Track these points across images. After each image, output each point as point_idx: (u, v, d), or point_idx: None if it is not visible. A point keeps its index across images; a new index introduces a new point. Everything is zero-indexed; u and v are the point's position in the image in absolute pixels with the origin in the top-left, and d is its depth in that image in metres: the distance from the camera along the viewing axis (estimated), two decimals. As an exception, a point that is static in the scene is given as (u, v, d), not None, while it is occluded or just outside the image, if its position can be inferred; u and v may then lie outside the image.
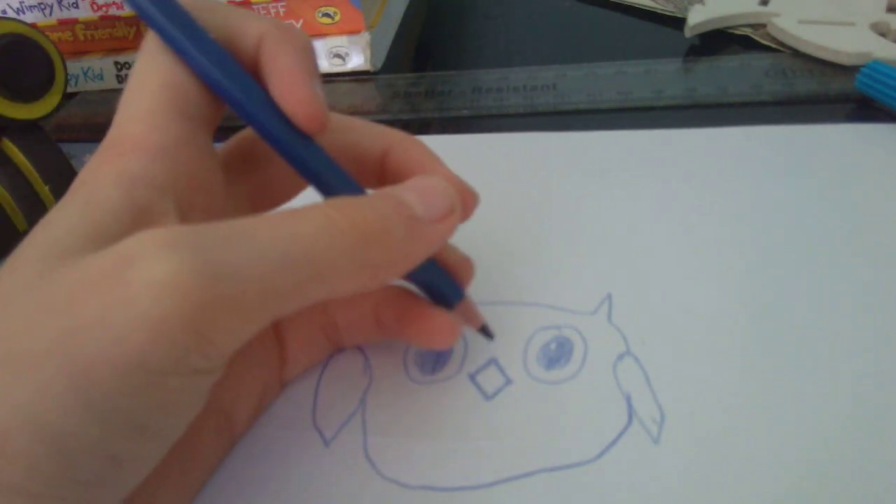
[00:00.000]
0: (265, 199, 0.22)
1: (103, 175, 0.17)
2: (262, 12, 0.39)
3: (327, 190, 0.19)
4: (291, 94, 0.18)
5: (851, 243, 0.25)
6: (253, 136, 0.21)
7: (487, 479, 0.20)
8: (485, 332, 0.23)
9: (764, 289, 0.24)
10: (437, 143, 0.33)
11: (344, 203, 0.17)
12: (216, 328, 0.15)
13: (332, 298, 0.18)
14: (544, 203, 0.29)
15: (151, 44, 0.19)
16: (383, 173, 0.22)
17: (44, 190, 0.30)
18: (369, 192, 0.19)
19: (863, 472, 0.19)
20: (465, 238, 0.22)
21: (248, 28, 0.19)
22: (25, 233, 0.30)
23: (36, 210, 0.31)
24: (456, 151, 0.32)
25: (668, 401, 0.21)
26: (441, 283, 0.21)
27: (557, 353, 0.23)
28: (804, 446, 0.20)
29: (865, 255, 0.25)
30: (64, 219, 0.16)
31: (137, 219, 0.16)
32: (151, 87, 0.18)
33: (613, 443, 0.21)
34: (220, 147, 0.21)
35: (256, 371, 0.22)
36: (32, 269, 0.15)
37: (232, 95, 0.18)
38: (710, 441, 0.20)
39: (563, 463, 0.20)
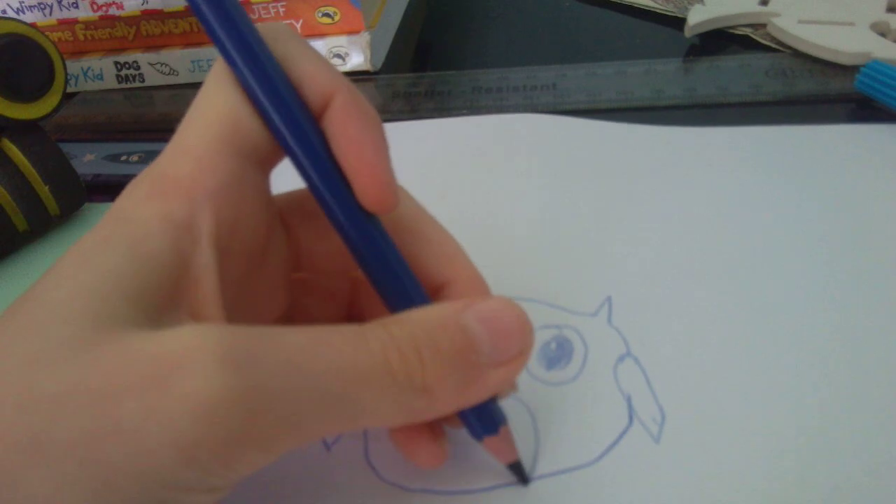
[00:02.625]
0: (314, 259, 0.21)
1: (148, 217, 0.16)
2: (262, 12, 0.39)
3: (382, 287, 0.18)
4: (365, 169, 0.17)
5: (851, 243, 0.25)
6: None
7: (488, 483, 0.20)
8: (517, 472, 0.19)
9: (764, 289, 0.24)
10: (433, 129, 0.33)
11: (406, 342, 0.15)
12: (244, 459, 0.14)
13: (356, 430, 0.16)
14: (544, 203, 0.29)
15: (217, 69, 0.17)
16: (436, 293, 0.20)
17: (44, 190, 0.30)
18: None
19: (863, 471, 0.19)
20: (465, 238, 0.21)
21: (320, 77, 0.17)
22: (26, 233, 0.31)
23: (36, 210, 0.31)
24: (455, 145, 0.33)
25: (668, 402, 0.21)
26: (480, 413, 0.18)
27: (558, 354, 0.23)
28: (804, 446, 0.20)
29: (865, 255, 0.25)
30: (110, 267, 0.15)
31: (182, 273, 0.15)
32: (208, 118, 0.17)
33: (614, 444, 0.21)
34: (283, 193, 0.20)
35: None
36: (76, 331, 0.14)
37: (293, 151, 0.17)
38: (710, 441, 0.20)
39: (563, 464, 0.20)
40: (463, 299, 0.17)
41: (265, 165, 0.18)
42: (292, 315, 0.21)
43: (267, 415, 0.14)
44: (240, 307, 0.17)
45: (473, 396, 0.17)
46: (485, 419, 0.18)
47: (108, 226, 0.16)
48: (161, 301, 0.15)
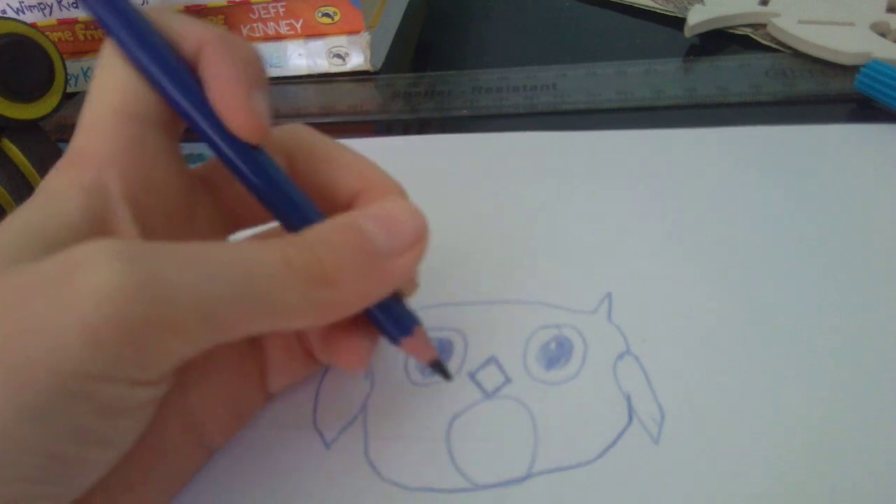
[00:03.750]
0: (240, 219, 0.22)
1: (59, 185, 0.17)
2: (262, 12, 0.39)
3: (277, 211, 0.19)
4: (226, 102, 0.18)
5: (851, 243, 0.25)
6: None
7: (487, 481, 0.20)
8: (438, 369, 0.21)
9: (764, 288, 0.24)
10: (437, 143, 0.34)
11: (301, 241, 0.17)
12: (153, 344, 0.15)
13: (279, 330, 0.18)
14: (544, 203, 0.29)
15: (106, 51, 0.19)
16: (350, 205, 0.21)
17: (44, 190, 0.30)
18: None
19: (863, 471, 0.19)
20: (465, 237, 0.22)
21: (189, 34, 0.19)
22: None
23: (36, 210, 0.31)
24: (456, 151, 0.33)
25: (668, 400, 0.21)
26: (390, 314, 0.19)
27: (557, 353, 0.23)
28: (804, 446, 0.20)
29: (865, 255, 0.25)
30: (20, 225, 0.16)
31: (95, 229, 0.17)
32: (103, 94, 0.18)
33: (614, 443, 0.21)
34: (203, 164, 0.21)
35: (230, 381, 0.21)
36: None
37: (173, 97, 0.18)
38: (710, 441, 0.20)
39: (563, 463, 0.20)
40: (358, 210, 0.18)
41: (168, 131, 0.19)
42: None
43: (172, 301, 0.15)
44: None
45: (377, 286, 0.18)
46: (399, 323, 0.19)
47: (29, 199, 0.18)
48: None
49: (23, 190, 0.30)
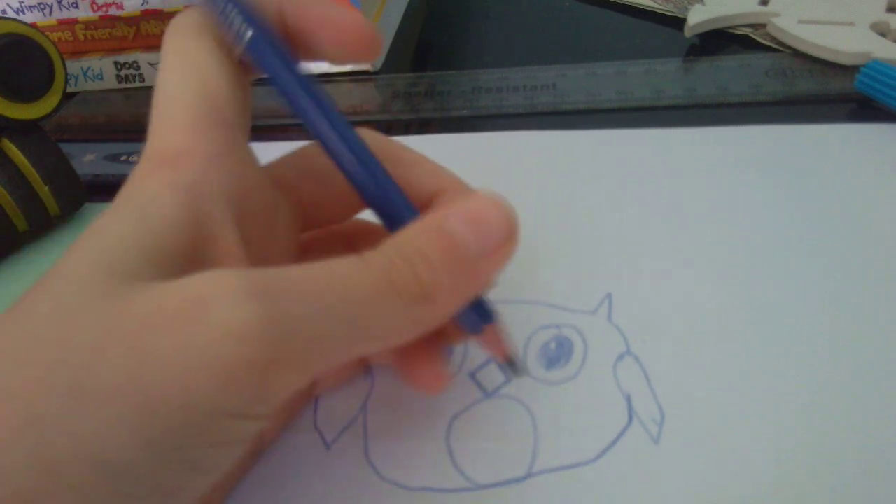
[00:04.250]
0: (317, 216, 0.22)
1: (155, 185, 0.16)
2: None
3: (377, 202, 0.19)
4: (342, 26, 0.18)
5: (851, 243, 0.25)
6: (305, 153, 0.21)
7: (487, 481, 0.20)
8: (512, 366, 0.20)
9: (764, 288, 0.24)
10: (437, 143, 0.33)
11: (398, 256, 0.16)
12: (277, 381, 0.15)
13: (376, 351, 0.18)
14: (544, 203, 0.29)
15: (176, 45, 0.18)
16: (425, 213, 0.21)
17: (44, 190, 0.30)
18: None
19: (863, 471, 0.19)
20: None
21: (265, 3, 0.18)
22: (26, 233, 0.31)
23: (36, 210, 0.31)
24: (456, 151, 0.32)
25: (668, 401, 0.21)
26: (472, 305, 0.19)
27: (557, 353, 0.23)
28: (804, 446, 0.20)
29: (865, 255, 0.25)
30: (119, 231, 0.16)
31: (196, 230, 0.16)
32: (187, 94, 0.17)
33: (613, 443, 0.21)
34: (276, 159, 0.21)
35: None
36: (94, 288, 0.15)
37: (278, 78, 0.18)
38: (710, 441, 0.20)
39: (563, 463, 0.20)
40: (444, 208, 0.18)
41: (244, 134, 0.19)
42: None
43: (294, 337, 0.15)
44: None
45: (469, 290, 0.18)
46: (481, 313, 0.19)
47: (116, 203, 0.17)
48: (179, 257, 0.16)
49: (23, 190, 0.30)
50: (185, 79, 0.18)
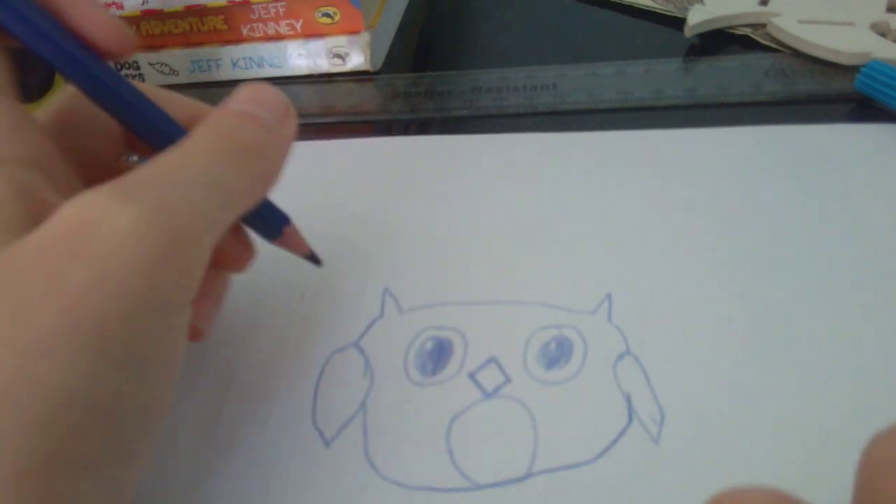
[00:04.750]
0: (86, 163, 0.22)
1: None
2: (262, 12, 0.39)
3: (145, 130, 0.20)
4: (93, 19, 0.19)
5: (851, 243, 0.25)
6: (64, 107, 0.22)
7: (487, 481, 0.20)
8: (312, 259, 0.24)
9: (764, 288, 0.24)
10: (438, 144, 0.34)
11: (222, 129, 0.19)
12: (185, 259, 0.16)
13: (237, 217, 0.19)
14: (544, 203, 0.29)
15: None
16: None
17: (44, 190, 0.30)
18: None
19: (863, 472, 0.19)
20: (465, 237, 0.22)
21: None
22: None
23: (36, 210, 0.30)
24: (456, 152, 0.33)
25: (668, 401, 0.21)
26: (264, 213, 0.22)
27: (557, 354, 0.23)
28: (804, 446, 0.20)
29: (865, 255, 0.25)
30: None
31: (26, 201, 0.17)
32: None
33: (613, 443, 0.21)
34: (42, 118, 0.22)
35: None
36: None
37: (20, 29, 0.19)
38: (710, 441, 0.20)
39: (562, 463, 0.20)
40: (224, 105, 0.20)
41: (11, 94, 0.20)
42: None
43: (178, 218, 0.16)
44: None
45: (282, 148, 0.20)
46: (273, 220, 0.22)
47: None
48: (23, 227, 0.16)
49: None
50: None
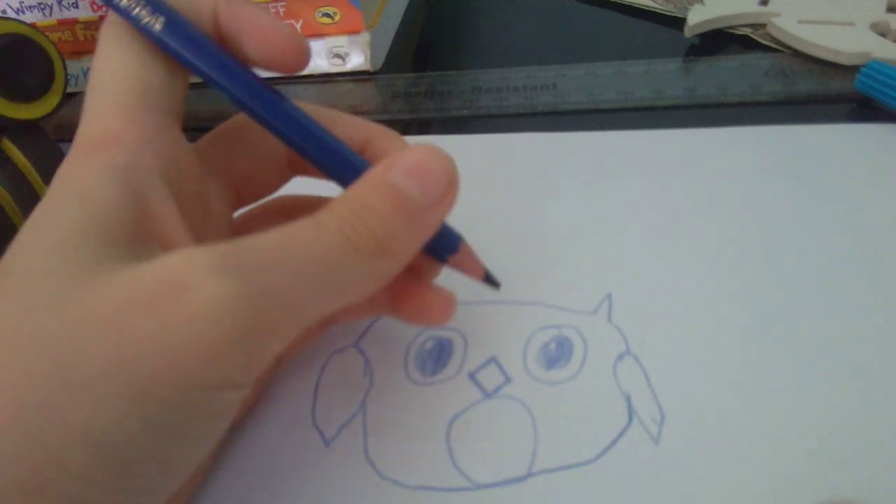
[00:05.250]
0: (246, 192, 0.22)
1: (91, 170, 0.17)
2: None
3: (323, 160, 0.19)
4: (268, 33, 0.18)
5: (851, 243, 0.25)
6: (230, 130, 0.22)
7: (487, 480, 0.20)
8: (489, 281, 0.21)
9: (764, 289, 0.24)
10: (438, 145, 0.33)
11: (352, 215, 0.17)
12: (259, 349, 0.15)
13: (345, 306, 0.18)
14: (544, 203, 0.29)
15: (111, 36, 0.18)
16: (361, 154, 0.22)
17: (44, 190, 0.30)
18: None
19: (863, 472, 0.19)
20: (465, 237, 0.22)
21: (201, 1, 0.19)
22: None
23: (36, 210, 0.30)
24: (456, 152, 0.32)
25: (668, 401, 0.21)
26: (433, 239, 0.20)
27: (557, 354, 0.23)
28: (804, 446, 0.20)
29: (865, 255, 0.25)
30: (66, 219, 0.16)
31: (138, 210, 0.16)
32: (119, 80, 0.18)
33: (613, 443, 0.21)
34: (197, 142, 0.22)
35: None
36: (61, 279, 0.15)
37: (191, 61, 0.18)
38: (710, 441, 0.20)
39: (563, 463, 0.20)
40: (386, 160, 0.18)
41: (178, 117, 0.19)
42: None
43: (268, 306, 0.15)
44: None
45: (423, 237, 0.19)
46: (445, 243, 0.20)
47: (54, 191, 0.17)
48: (129, 238, 0.16)
49: (23, 189, 0.30)
50: (118, 67, 0.18)
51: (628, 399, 0.22)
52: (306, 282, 0.16)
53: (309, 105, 0.21)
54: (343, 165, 0.19)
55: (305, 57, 0.19)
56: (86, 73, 0.43)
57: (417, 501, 0.20)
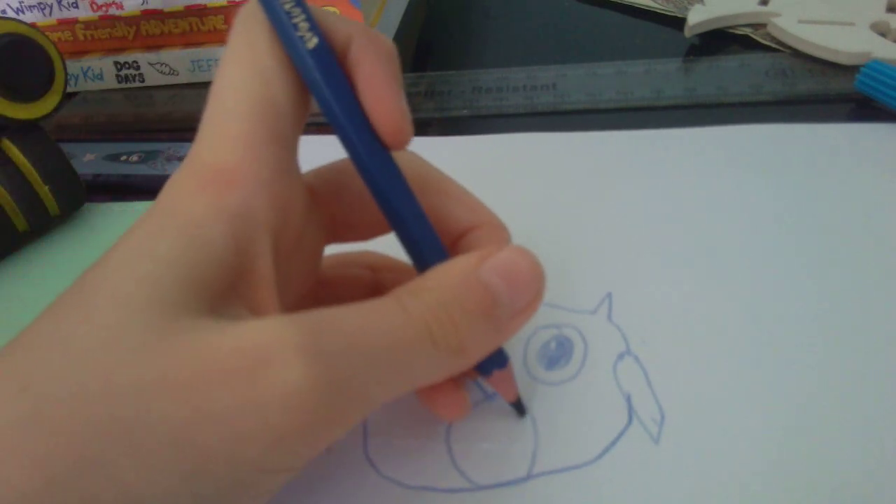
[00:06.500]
0: (345, 232, 0.21)
1: (202, 208, 0.16)
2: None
3: (405, 234, 0.18)
4: (379, 101, 0.17)
5: (851, 243, 0.25)
6: (346, 168, 0.20)
7: (488, 481, 0.20)
8: (517, 407, 0.21)
9: (764, 288, 0.24)
10: (438, 146, 0.34)
11: (438, 306, 0.16)
12: (326, 437, 0.15)
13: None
14: (544, 203, 0.29)
15: (246, 34, 0.17)
16: (457, 246, 0.21)
17: (43, 190, 0.30)
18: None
19: (863, 472, 0.19)
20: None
21: (338, 29, 0.18)
22: (26, 233, 0.31)
23: (36, 210, 0.31)
24: (456, 152, 0.33)
25: (668, 401, 0.21)
26: None
27: (557, 353, 0.23)
28: (804, 446, 0.20)
29: (865, 255, 0.25)
30: (167, 256, 0.15)
31: (238, 261, 0.16)
32: (249, 103, 0.16)
33: (614, 443, 0.21)
34: (312, 170, 0.21)
35: None
36: (141, 319, 0.14)
37: (327, 101, 0.17)
38: (710, 441, 0.20)
39: (563, 464, 0.20)
40: (477, 252, 0.18)
41: (296, 148, 0.18)
42: (318, 291, 0.22)
43: (344, 395, 0.15)
44: (280, 285, 0.18)
45: (496, 344, 0.18)
46: (495, 357, 0.19)
47: (158, 218, 0.16)
48: (221, 290, 0.15)
49: (23, 190, 0.30)
50: (248, 79, 0.17)
51: (628, 399, 0.22)
52: (381, 370, 0.15)
53: (435, 170, 0.21)
54: (422, 248, 0.18)
55: (404, 140, 0.18)
56: (86, 73, 0.43)
57: (417, 501, 0.20)
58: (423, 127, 0.36)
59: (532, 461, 0.20)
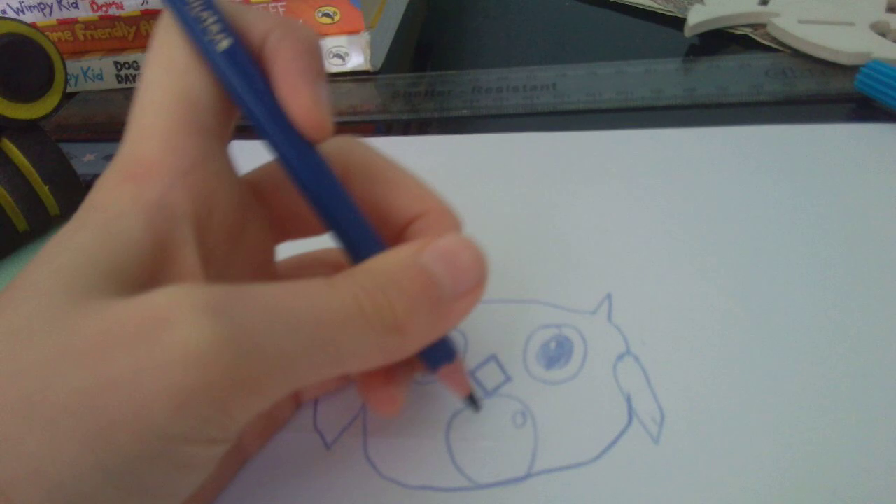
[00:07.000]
0: (287, 230, 0.21)
1: (120, 201, 0.16)
2: (262, 12, 0.39)
3: (337, 229, 0.18)
4: (294, 94, 0.17)
5: (851, 243, 0.25)
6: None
7: (487, 480, 0.20)
8: (471, 402, 0.21)
9: (763, 288, 0.24)
10: (438, 145, 0.34)
11: (372, 284, 0.16)
12: (238, 403, 0.14)
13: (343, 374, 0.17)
14: (544, 203, 0.29)
15: (164, 39, 0.17)
16: (403, 235, 0.20)
17: (43, 190, 0.30)
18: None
19: (862, 471, 0.19)
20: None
21: (255, 25, 0.18)
22: (26, 233, 0.31)
23: (36, 210, 0.31)
24: (456, 152, 0.33)
25: (668, 401, 0.21)
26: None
27: (557, 353, 0.23)
28: (804, 446, 0.20)
29: (865, 255, 0.25)
30: (84, 246, 0.15)
31: (157, 251, 0.16)
32: (166, 99, 0.17)
33: (613, 443, 0.21)
34: (256, 168, 0.21)
35: None
36: (53, 303, 0.14)
37: (241, 97, 0.17)
38: (710, 441, 0.20)
39: (563, 463, 0.20)
40: (419, 241, 0.18)
41: (225, 137, 0.18)
42: None
43: (254, 358, 0.14)
44: (220, 278, 0.17)
45: (440, 329, 0.18)
46: (441, 350, 0.19)
47: (83, 213, 0.16)
48: (138, 278, 0.15)
49: (23, 190, 0.30)
50: (168, 77, 0.17)
51: (628, 399, 0.22)
52: (301, 340, 0.15)
53: (380, 158, 0.20)
54: (355, 239, 0.18)
55: (323, 132, 0.18)
56: (86, 73, 0.43)
57: (417, 501, 0.20)
58: (424, 127, 0.36)
59: (532, 460, 0.20)
